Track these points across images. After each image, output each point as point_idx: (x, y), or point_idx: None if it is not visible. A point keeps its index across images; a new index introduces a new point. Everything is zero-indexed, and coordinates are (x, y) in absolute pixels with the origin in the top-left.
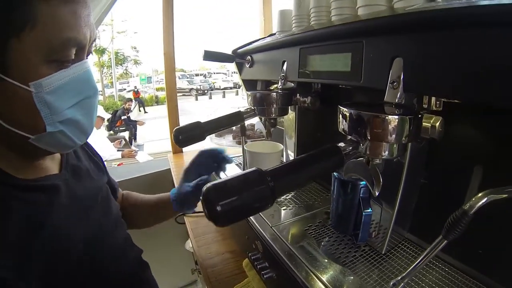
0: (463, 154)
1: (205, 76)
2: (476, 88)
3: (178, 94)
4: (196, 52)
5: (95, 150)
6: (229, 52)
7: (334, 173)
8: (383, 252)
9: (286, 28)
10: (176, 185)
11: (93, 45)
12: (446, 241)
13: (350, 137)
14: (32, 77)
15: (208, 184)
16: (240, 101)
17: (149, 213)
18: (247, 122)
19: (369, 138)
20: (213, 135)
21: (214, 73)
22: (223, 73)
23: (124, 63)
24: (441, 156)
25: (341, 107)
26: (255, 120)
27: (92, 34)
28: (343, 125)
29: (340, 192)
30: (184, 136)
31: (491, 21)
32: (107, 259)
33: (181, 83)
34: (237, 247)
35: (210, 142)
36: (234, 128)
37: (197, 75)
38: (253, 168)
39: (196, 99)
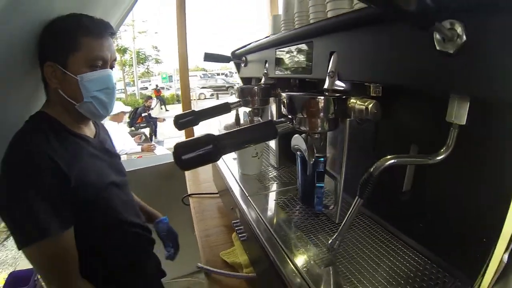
0: (402, 134)
1: (226, 75)
2: (386, 74)
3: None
4: (220, 51)
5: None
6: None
7: (298, 152)
8: (336, 221)
9: (277, 31)
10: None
11: (114, 62)
12: (362, 199)
13: (289, 116)
14: (78, 72)
15: (178, 142)
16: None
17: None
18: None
19: (303, 116)
20: (222, 128)
21: (235, 72)
22: None
23: (145, 62)
24: (385, 136)
25: (282, 93)
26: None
27: (113, 55)
28: (283, 107)
29: (302, 168)
30: (181, 121)
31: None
32: (123, 213)
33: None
34: (230, 223)
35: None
36: (241, 121)
37: (218, 74)
38: (207, 133)
39: (217, 98)
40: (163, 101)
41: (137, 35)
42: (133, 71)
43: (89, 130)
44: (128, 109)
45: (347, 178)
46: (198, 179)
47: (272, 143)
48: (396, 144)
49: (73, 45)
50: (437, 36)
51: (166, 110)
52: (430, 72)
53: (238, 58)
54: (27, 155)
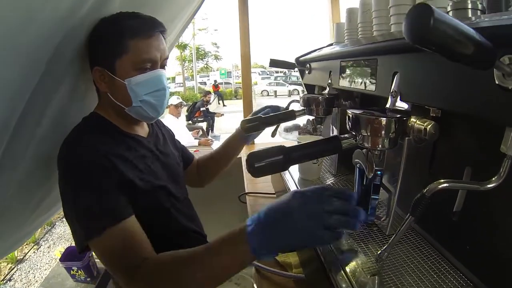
0: (457, 156)
1: (285, 73)
2: (446, 100)
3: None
4: (275, 50)
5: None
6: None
7: (357, 165)
8: (387, 234)
9: (340, 39)
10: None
11: (166, 61)
12: (413, 217)
13: (352, 132)
14: (126, 76)
15: (251, 151)
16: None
17: (220, 157)
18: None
19: (366, 134)
20: (282, 130)
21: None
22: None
23: (204, 58)
24: (442, 157)
25: (348, 111)
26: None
27: (163, 55)
28: (348, 122)
29: (359, 179)
30: (248, 125)
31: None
32: (175, 219)
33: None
34: None
35: (279, 136)
36: (301, 125)
37: (277, 72)
38: (279, 145)
39: (275, 96)
40: (221, 97)
41: (197, 32)
42: (192, 66)
43: (142, 130)
44: (178, 101)
45: (401, 193)
46: (256, 178)
47: None
48: (452, 166)
49: (119, 48)
50: (496, 71)
51: (224, 106)
52: (489, 104)
53: (302, 65)
54: (86, 153)
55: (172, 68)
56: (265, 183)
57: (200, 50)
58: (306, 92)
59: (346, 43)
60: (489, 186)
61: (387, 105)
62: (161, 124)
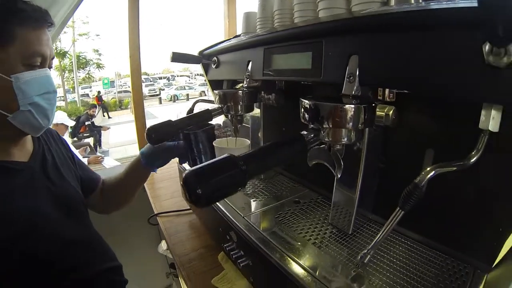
0: (415, 139)
1: (168, 79)
2: (415, 81)
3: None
4: (159, 54)
5: (71, 150)
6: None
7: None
8: (349, 232)
9: (250, 30)
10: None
11: (52, 61)
12: (403, 211)
13: (312, 126)
14: (11, 72)
15: (187, 170)
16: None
17: (125, 184)
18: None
19: (329, 126)
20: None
21: (178, 76)
22: (186, 76)
23: (86, 67)
24: (397, 142)
25: (303, 100)
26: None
27: (51, 53)
28: (305, 116)
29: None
30: (157, 134)
31: (434, 23)
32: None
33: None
34: (211, 242)
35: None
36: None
37: (160, 78)
38: (226, 155)
39: (160, 103)
40: (105, 108)
41: (77, 38)
42: (73, 77)
43: (21, 152)
44: (72, 123)
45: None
46: (161, 195)
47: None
48: (409, 151)
49: (4, 36)
50: (486, 48)
51: (109, 117)
52: (472, 83)
53: (207, 58)
54: None
55: None
56: (173, 198)
57: (81, 58)
58: (211, 90)
59: (260, 32)
60: (472, 161)
61: (344, 92)
62: (52, 138)
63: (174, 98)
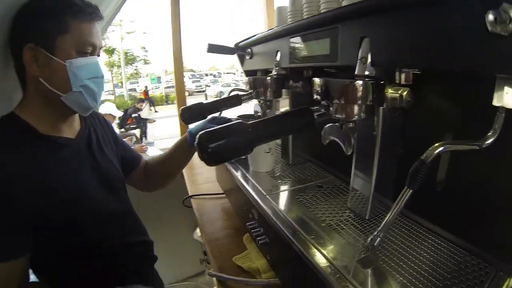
0: (434, 123)
1: (214, 76)
2: (425, 59)
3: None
4: (204, 52)
5: (115, 132)
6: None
7: None
8: (366, 217)
9: (282, 23)
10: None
11: (101, 50)
12: (411, 190)
13: (323, 102)
14: (67, 58)
15: (201, 131)
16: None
17: (169, 163)
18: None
19: (338, 102)
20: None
21: (224, 73)
22: (232, 73)
23: (133, 63)
24: (416, 126)
25: (314, 79)
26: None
27: (100, 43)
28: (316, 93)
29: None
30: (189, 113)
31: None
32: (107, 230)
33: (190, 84)
34: (239, 225)
35: None
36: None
37: (206, 75)
38: (238, 120)
39: (206, 98)
40: (152, 102)
41: (125, 36)
42: (121, 72)
43: (70, 130)
44: (119, 114)
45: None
46: (198, 179)
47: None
48: (426, 135)
49: (61, 26)
50: (489, 17)
51: (156, 111)
52: (480, 54)
53: (242, 50)
54: None
55: None
56: (209, 183)
57: (128, 54)
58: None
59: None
60: (487, 142)
61: (356, 72)
62: (97, 120)
63: (220, 95)
